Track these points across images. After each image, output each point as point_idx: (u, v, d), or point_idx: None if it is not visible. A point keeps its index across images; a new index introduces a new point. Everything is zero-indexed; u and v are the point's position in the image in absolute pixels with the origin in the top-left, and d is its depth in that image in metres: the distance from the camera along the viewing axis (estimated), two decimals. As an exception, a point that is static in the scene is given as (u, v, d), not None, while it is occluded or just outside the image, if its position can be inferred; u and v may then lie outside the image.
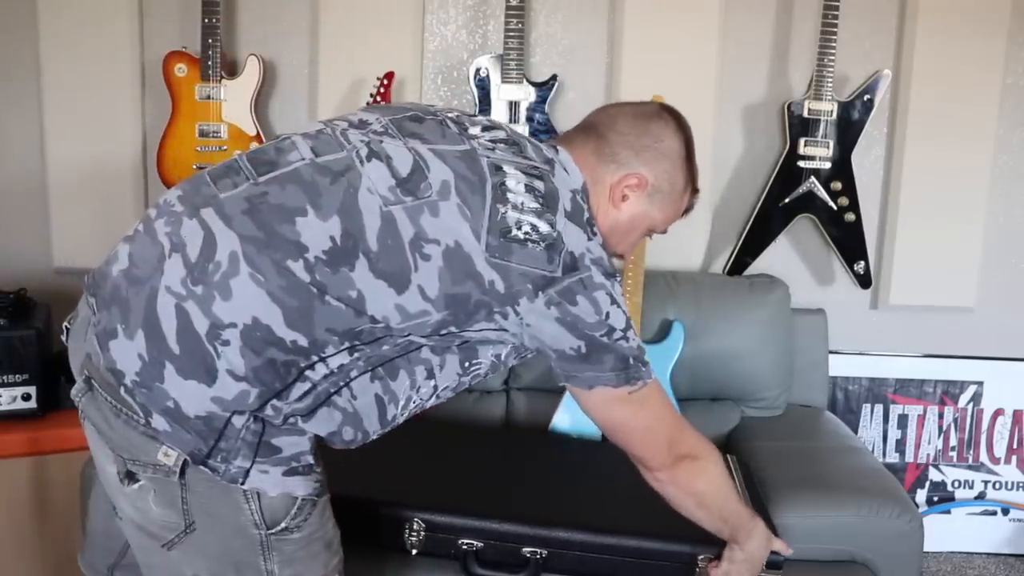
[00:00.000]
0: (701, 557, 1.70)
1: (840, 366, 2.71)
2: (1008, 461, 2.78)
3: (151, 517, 1.19)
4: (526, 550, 1.72)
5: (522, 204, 1.21)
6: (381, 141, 1.22)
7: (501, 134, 1.31)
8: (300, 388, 1.17)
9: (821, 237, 2.60)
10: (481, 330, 1.25)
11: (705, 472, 1.42)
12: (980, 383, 2.75)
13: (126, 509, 1.22)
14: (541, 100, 2.50)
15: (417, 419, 2.37)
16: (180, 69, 2.46)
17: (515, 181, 1.22)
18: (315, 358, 1.16)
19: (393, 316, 1.17)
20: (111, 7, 2.53)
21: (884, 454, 2.77)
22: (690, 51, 2.54)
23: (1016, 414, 2.77)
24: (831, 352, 2.59)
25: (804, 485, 1.99)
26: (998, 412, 2.77)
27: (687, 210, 1.50)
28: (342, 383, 1.20)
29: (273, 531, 1.19)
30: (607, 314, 1.24)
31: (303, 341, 1.14)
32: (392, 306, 1.16)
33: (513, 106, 2.49)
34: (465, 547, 1.72)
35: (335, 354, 1.17)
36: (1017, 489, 2.78)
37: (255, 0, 2.60)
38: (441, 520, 1.73)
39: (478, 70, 2.49)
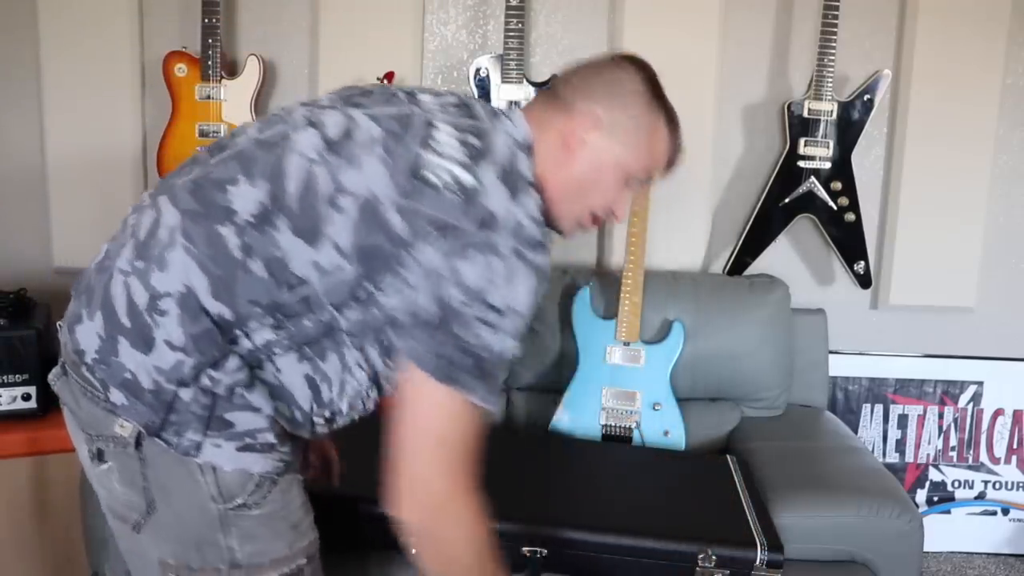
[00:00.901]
0: (701, 557, 1.70)
1: (840, 366, 2.71)
2: (1008, 461, 2.78)
3: (116, 496, 1.22)
4: (526, 549, 1.72)
5: (447, 152, 1.17)
6: (322, 112, 1.23)
7: (452, 99, 1.28)
8: (234, 361, 1.17)
9: (821, 237, 2.60)
10: (390, 297, 1.18)
11: (472, 529, 1.24)
12: (980, 383, 2.75)
13: (100, 492, 1.25)
14: (541, 100, 2.50)
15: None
16: (180, 69, 2.46)
17: (446, 135, 1.19)
18: (239, 332, 1.16)
19: (311, 275, 1.15)
20: (111, 7, 2.53)
21: (884, 454, 2.77)
22: (690, 51, 2.54)
23: (1016, 414, 2.77)
24: (831, 352, 2.59)
25: (804, 485, 1.99)
26: (998, 412, 2.77)
27: (674, 155, 1.36)
28: (267, 358, 1.20)
29: (231, 506, 1.19)
30: (495, 287, 1.12)
31: (228, 314, 1.15)
32: (310, 263, 1.15)
33: (513, 106, 2.49)
34: (465, 547, 1.72)
35: (259, 329, 1.17)
36: (1017, 489, 2.78)
37: (255, 0, 2.61)
38: (441, 520, 1.73)
39: (478, 70, 2.49)
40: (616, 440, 2.28)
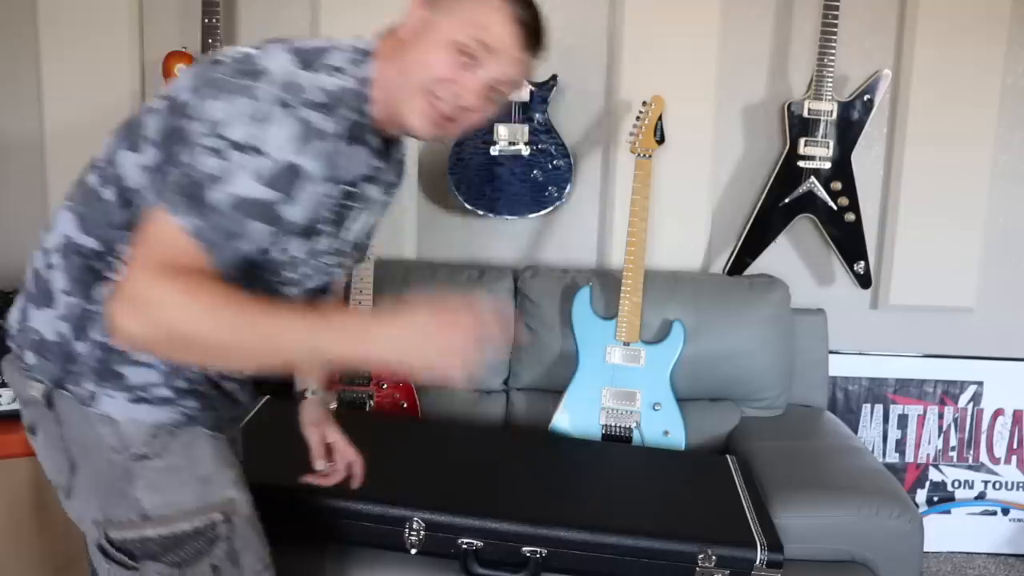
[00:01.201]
0: (701, 557, 1.70)
1: (840, 366, 2.71)
2: (1008, 461, 2.78)
3: (50, 465, 1.31)
4: (526, 549, 1.72)
5: (249, 46, 1.22)
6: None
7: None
8: (107, 288, 1.21)
9: (821, 237, 2.60)
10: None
11: (183, 299, 1.08)
12: (980, 383, 2.75)
13: (44, 468, 1.33)
14: (541, 100, 2.50)
15: (417, 419, 2.38)
16: (180, 69, 2.47)
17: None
18: (111, 259, 1.22)
19: (141, 179, 1.20)
20: (111, 7, 2.53)
21: (884, 454, 2.77)
22: (690, 51, 2.54)
23: (1016, 414, 2.77)
24: (831, 352, 2.59)
25: (804, 485, 1.99)
26: (998, 412, 2.77)
27: (512, 22, 1.22)
28: None
29: (131, 456, 1.24)
30: (235, 120, 1.10)
31: (97, 245, 1.23)
32: (138, 168, 1.20)
33: (513, 106, 2.49)
34: (465, 547, 1.72)
35: (127, 250, 1.18)
36: (1017, 489, 2.78)
37: (255, 0, 2.61)
38: (441, 520, 1.73)
39: (478, 70, 2.49)
40: (616, 440, 2.28)
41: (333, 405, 1.56)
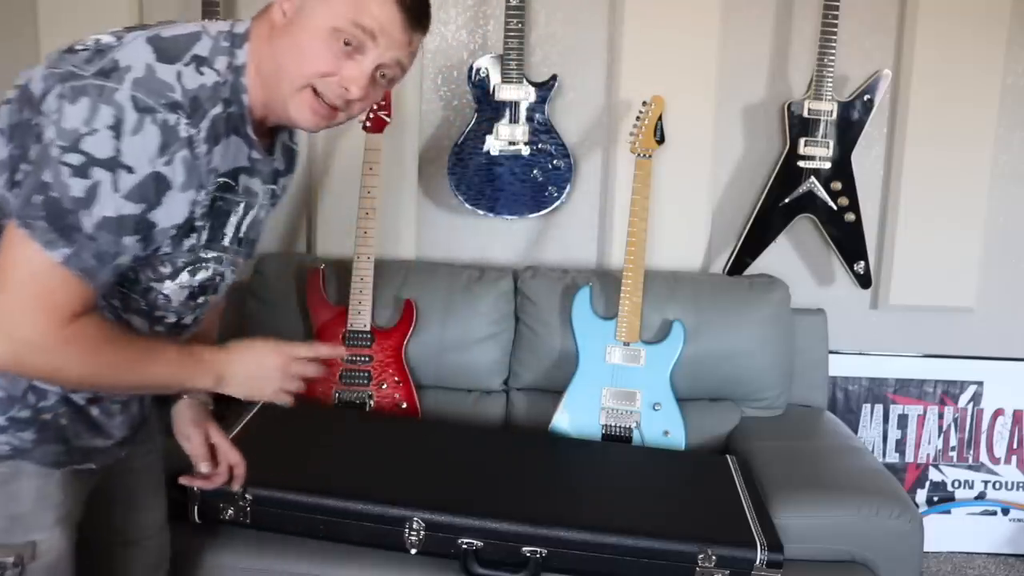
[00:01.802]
0: (701, 557, 1.70)
1: (840, 366, 2.71)
2: (1008, 461, 2.78)
3: None
4: (526, 549, 1.72)
5: (108, 32, 1.15)
6: None
7: None
8: None
9: (821, 237, 2.60)
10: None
11: (65, 362, 1.10)
12: (980, 383, 2.75)
13: None
14: (541, 100, 2.50)
15: (417, 419, 2.38)
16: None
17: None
18: None
19: None
20: (111, 7, 2.53)
21: (884, 454, 2.77)
22: (690, 51, 2.54)
23: (1016, 414, 2.77)
24: (831, 352, 2.59)
25: (804, 485, 1.99)
26: (998, 412, 2.77)
27: (417, 25, 1.18)
28: None
29: None
30: (93, 132, 1.03)
31: None
32: None
33: (513, 106, 2.49)
34: (465, 547, 1.72)
35: None
36: (1017, 489, 2.78)
37: (255, 0, 2.60)
38: (441, 520, 1.73)
39: (478, 70, 2.49)
40: (616, 440, 2.28)
41: (211, 406, 1.51)
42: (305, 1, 1.14)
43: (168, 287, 1.22)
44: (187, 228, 1.16)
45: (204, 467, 1.46)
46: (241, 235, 1.28)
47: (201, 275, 1.24)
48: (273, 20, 1.16)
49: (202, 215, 1.17)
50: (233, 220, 1.25)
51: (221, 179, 1.17)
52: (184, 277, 1.22)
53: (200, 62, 1.11)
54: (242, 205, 1.25)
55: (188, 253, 1.20)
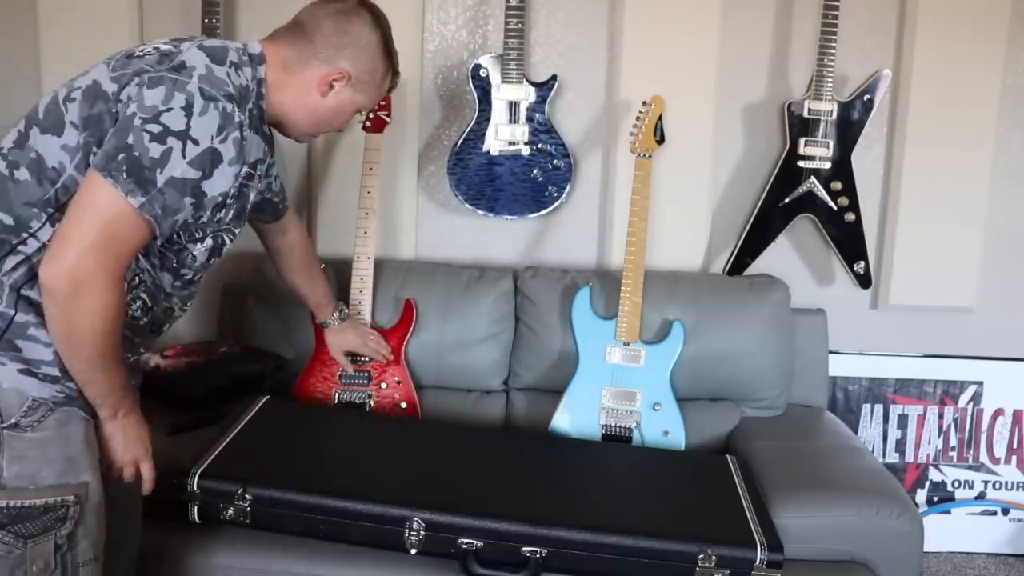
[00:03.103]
0: (701, 557, 1.70)
1: (840, 366, 2.71)
2: (1008, 461, 2.78)
3: None
4: (526, 549, 1.72)
5: (156, 41, 1.42)
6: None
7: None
8: (13, 260, 1.32)
9: (821, 237, 2.60)
10: None
11: (101, 305, 1.28)
12: (980, 383, 2.75)
13: None
14: (541, 100, 2.50)
15: (417, 419, 2.38)
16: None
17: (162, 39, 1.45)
18: (25, 235, 1.33)
19: (64, 158, 1.34)
20: (111, 7, 2.53)
21: (884, 454, 2.77)
22: (690, 51, 2.54)
23: (1016, 414, 2.77)
24: (831, 352, 2.59)
25: (804, 485, 1.99)
26: (998, 412, 2.77)
27: (390, 89, 1.66)
28: None
29: (5, 425, 1.30)
30: (169, 110, 1.29)
31: (8, 219, 1.33)
32: (59, 149, 1.34)
33: (513, 106, 2.49)
34: (465, 547, 1.72)
35: (41, 228, 1.33)
36: (1017, 489, 2.78)
37: (255, 0, 2.61)
38: (441, 520, 1.73)
39: (478, 70, 2.49)
40: (616, 440, 2.28)
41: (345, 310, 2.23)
42: (348, 90, 1.54)
43: (198, 249, 1.49)
44: (223, 204, 1.44)
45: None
46: (246, 214, 1.57)
47: (219, 241, 1.52)
48: (320, 88, 1.53)
49: (232, 195, 1.44)
50: (247, 203, 1.54)
51: (248, 168, 1.44)
52: (208, 242, 1.50)
53: (235, 67, 1.41)
54: (254, 190, 1.54)
55: (216, 224, 1.48)
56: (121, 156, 1.27)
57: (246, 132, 1.38)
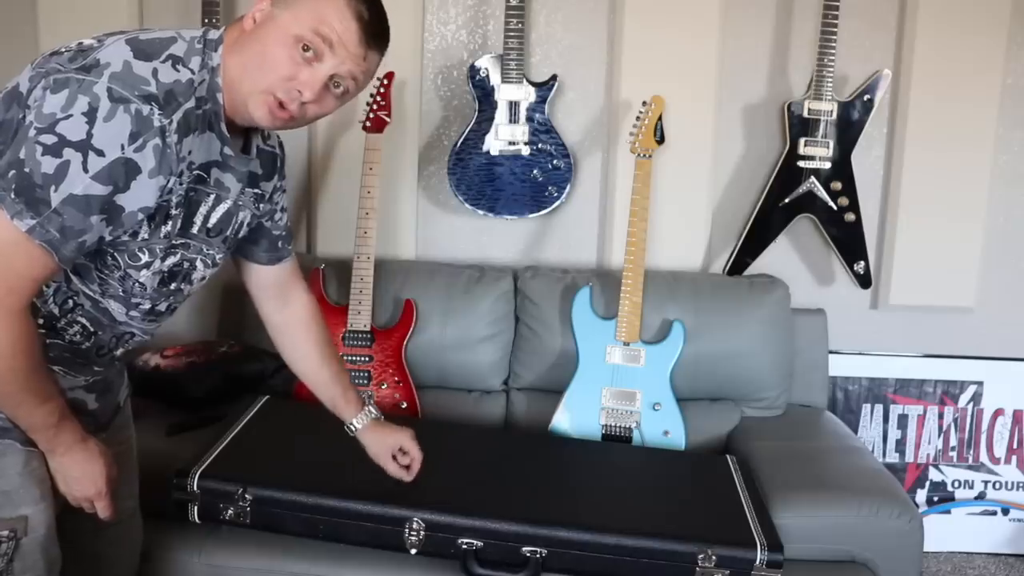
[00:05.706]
0: (701, 557, 1.70)
1: (840, 366, 2.71)
2: (1008, 461, 2.78)
3: None
4: (526, 549, 1.72)
5: (95, 36, 1.21)
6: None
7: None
8: None
9: (821, 237, 2.60)
10: None
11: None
12: (980, 383, 2.75)
13: None
14: (541, 100, 2.50)
15: (417, 419, 2.38)
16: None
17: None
18: None
19: None
20: (111, 7, 2.53)
21: (884, 454, 2.77)
22: (690, 51, 2.54)
23: (1016, 414, 2.77)
24: (831, 352, 2.59)
25: (804, 485, 1.99)
26: (998, 412, 2.77)
27: (353, 16, 1.25)
28: None
29: None
30: (68, 117, 1.11)
31: None
32: None
33: (513, 106, 2.49)
34: (465, 547, 1.72)
35: None
36: (1017, 489, 2.78)
37: (255, 1, 2.60)
38: (441, 520, 1.73)
39: (478, 70, 2.49)
40: (616, 440, 2.28)
41: (380, 416, 1.71)
42: (273, 10, 1.24)
43: (144, 275, 1.30)
44: (163, 215, 1.24)
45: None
46: (210, 225, 1.35)
47: (170, 260, 1.32)
48: (243, 27, 1.27)
49: (177, 204, 1.25)
50: (203, 210, 1.32)
51: (196, 171, 1.26)
52: (157, 265, 1.30)
53: (176, 61, 1.20)
54: (212, 197, 1.32)
55: (164, 240, 1.27)
56: (12, 173, 1.11)
57: (170, 139, 1.16)
